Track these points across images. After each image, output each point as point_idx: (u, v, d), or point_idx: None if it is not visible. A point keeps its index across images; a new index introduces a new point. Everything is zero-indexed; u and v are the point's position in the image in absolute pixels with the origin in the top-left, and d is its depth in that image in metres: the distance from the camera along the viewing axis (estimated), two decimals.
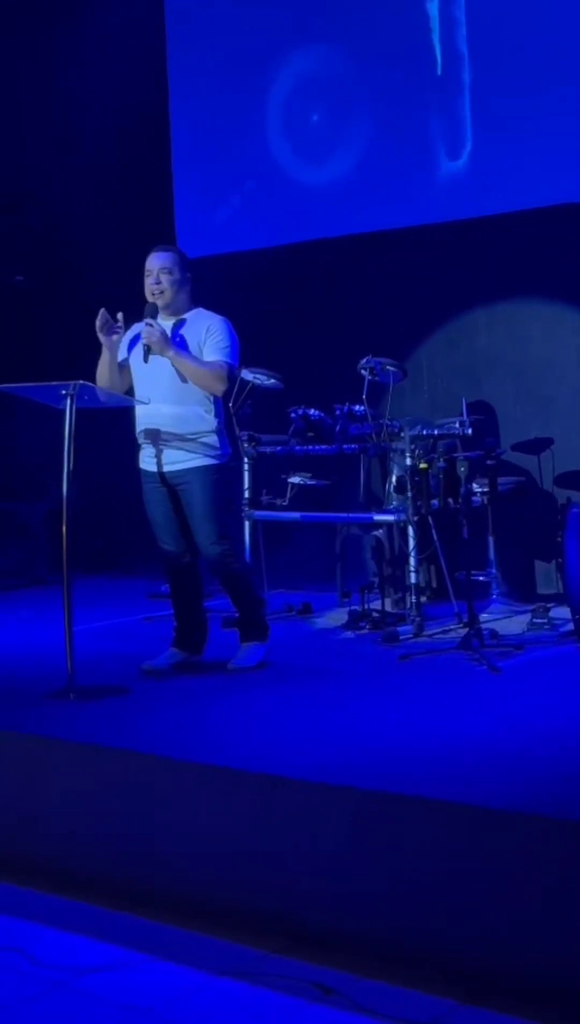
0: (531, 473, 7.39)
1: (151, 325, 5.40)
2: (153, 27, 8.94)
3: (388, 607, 6.73)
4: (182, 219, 8.93)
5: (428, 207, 7.81)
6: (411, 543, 6.56)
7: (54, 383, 5.27)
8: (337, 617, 6.85)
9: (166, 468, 5.54)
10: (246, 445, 7.29)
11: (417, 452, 6.48)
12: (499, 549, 7.12)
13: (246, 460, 7.33)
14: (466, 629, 5.80)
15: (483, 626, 5.93)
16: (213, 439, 5.53)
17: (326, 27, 8.18)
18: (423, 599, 6.67)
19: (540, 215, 7.36)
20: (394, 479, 6.87)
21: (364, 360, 6.92)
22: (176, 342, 5.47)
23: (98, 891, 4.15)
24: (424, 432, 6.68)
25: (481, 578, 6.92)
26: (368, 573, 7.47)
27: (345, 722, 4.63)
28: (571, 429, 7.33)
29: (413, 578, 6.54)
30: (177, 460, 5.52)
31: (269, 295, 8.24)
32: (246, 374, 7.10)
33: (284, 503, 7.32)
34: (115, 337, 5.54)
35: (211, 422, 5.53)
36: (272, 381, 7.35)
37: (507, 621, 6.56)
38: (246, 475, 7.36)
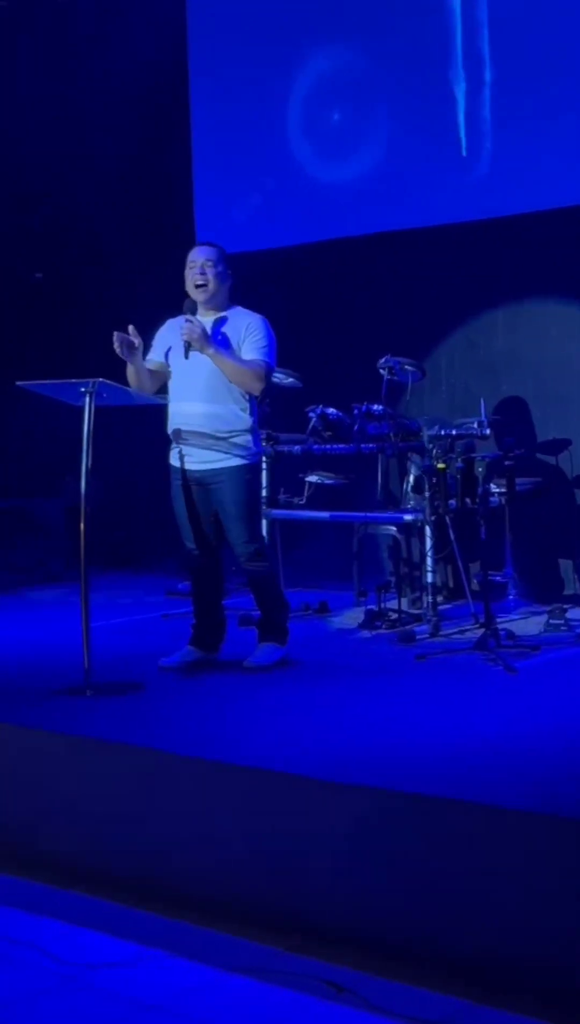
0: (549, 474, 7.37)
1: (191, 321, 5.35)
2: (174, 25, 8.95)
3: (405, 607, 6.72)
4: (202, 217, 8.93)
5: (448, 207, 7.79)
6: (428, 543, 6.56)
7: (73, 380, 5.27)
8: (354, 616, 6.85)
9: (199, 467, 5.48)
10: (264, 444, 7.29)
11: (435, 452, 6.47)
12: (516, 550, 7.11)
13: (265, 459, 7.33)
14: (483, 629, 5.80)
15: (500, 626, 5.93)
16: (247, 438, 5.49)
17: (347, 26, 8.17)
18: (440, 599, 6.67)
19: (560, 215, 7.34)
20: (412, 479, 6.87)
21: (383, 359, 6.91)
22: (218, 340, 5.40)
23: (111, 887, 4.16)
24: (442, 432, 6.66)
25: (498, 578, 6.91)
26: (385, 572, 7.46)
27: (360, 721, 4.63)
28: None
29: (430, 578, 6.55)
30: (211, 460, 5.46)
31: (289, 294, 8.23)
32: None
33: (302, 502, 7.32)
34: (136, 343, 5.36)
35: (246, 421, 5.48)
36: (291, 380, 7.34)
37: (524, 622, 6.56)
38: (265, 474, 7.36)
